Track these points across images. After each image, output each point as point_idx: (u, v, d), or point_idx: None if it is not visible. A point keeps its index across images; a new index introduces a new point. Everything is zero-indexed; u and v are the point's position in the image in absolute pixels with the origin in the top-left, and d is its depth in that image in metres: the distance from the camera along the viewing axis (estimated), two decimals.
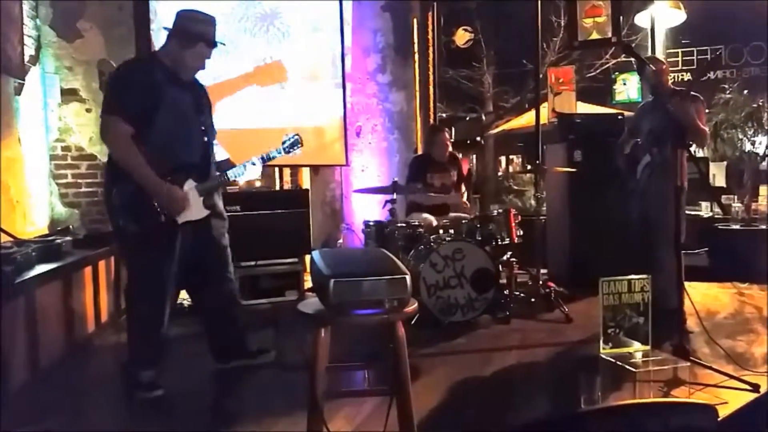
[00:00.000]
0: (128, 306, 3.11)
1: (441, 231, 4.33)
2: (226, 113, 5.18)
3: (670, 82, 4.20)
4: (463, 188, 5.06)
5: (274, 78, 5.46)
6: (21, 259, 3.15)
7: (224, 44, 3.17)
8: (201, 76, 3.17)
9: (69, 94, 4.83)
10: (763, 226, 5.48)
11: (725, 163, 6.75)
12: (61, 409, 2.82)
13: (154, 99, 2.84)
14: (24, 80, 4.33)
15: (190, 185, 2.95)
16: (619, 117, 5.48)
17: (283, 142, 3.31)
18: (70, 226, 4.49)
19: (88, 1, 4.84)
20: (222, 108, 5.15)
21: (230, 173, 3.14)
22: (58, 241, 3.73)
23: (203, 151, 3.05)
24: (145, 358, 2.95)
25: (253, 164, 3.19)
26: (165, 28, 3.05)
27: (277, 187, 6.00)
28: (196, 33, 2.96)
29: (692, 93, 3.87)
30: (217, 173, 3.12)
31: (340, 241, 5.98)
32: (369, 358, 2.97)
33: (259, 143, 3.67)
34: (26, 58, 4.34)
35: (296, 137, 3.33)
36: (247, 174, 3.22)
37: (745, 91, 6.56)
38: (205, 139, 3.07)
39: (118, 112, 2.81)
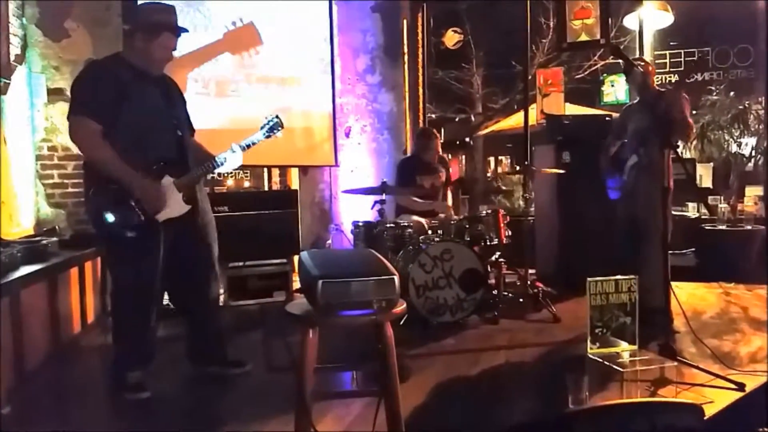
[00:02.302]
0: (113, 307, 3.09)
1: (430, 232, 4.33)
2: (214, 114, 5.18)
3: (656, 83, 4.22)
4: (449, 194, 5.08)
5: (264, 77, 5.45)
6: (6, 260, 3.13)
7: (187, 31, 3.08)
8: None
9: (55, 94, 4.79)
10: (749, 227, 5.54)
11: (712, 164, 6.80)
12: (47, 410, 2.80)
13: (121, 96, 2.81)
14: (9, 80, 4.29)
15: (167, 181, 2.90)
16: (607, 118, 5.51)
17: (263, 126, 3.17)
18: (56, 227, 4.45)
19: (75, 1, 4.81)
20: (210, 109, 5.15)
21: (209, 165, 3.04)
22: (44, 241, 3.70)
23: (178, 145, 2.99)
24: (131, 359, 2.93)
25: (233, 152, 3.07)
26: (125, 27, 2.99)
27: (266, 188, 5.97)
28: (158, 23, 2.93)
29: (677, 90, 3.91)
30: (197, 167, 3.03)
31: (329, 241, 5.97)
32: (357, 359, 2.96)
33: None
34: (12, 58, 4.30)
35: (276, 119, 3.18)
36: (228, 164, 3.07)
37: (732, 93, 6.61)
38: (179, 133, 3.01)
39: (84, 111, 2.79)
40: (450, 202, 5.04)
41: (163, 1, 3.06)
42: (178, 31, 3.00)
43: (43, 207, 4.78)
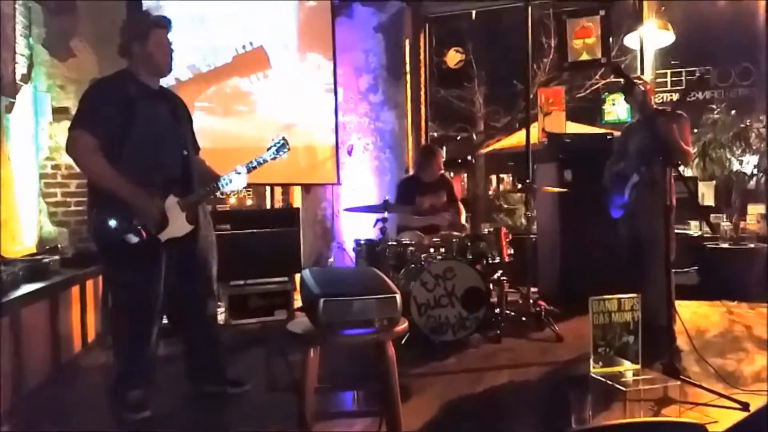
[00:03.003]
0: (114, 326, 3.08)
1: (432, 250, 4.33)
2: (219, 133, 5.21)
3: (654, 102, 4.24)
4: (461, 207, 5.07)
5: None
6: (7, 278, 3.13)
7: (170, 21, 3.05)
8: None
9: (60, 113, 4.82)
10: (752, 245, 5.52)
11: (714, 182, 6.80)
12: (47, 429, 2.78)
13: (126, 113, 2.82)
14: (15, 99, 4.32)
15: (171, 201, 2.90)
16: (609, 137, 5.52)
17: (270, 147, 3.16)
18: (59, 245, 4.46)
19: (80, 21, 4.86)
20: (215, 128, 5.19)
21: (214, 186, 3.05)
22: (46, 260, 3.71)
23: (184, 164, 3.00)
24: (132, 378, 2.92)
25: (238, 173, 3.07)
26: (120, 42, 2.98)
27: (268, 206, 5.99)
28: (144, 23, 2.97)
29: (676, 111, 3.91)
30: (202, 187, 3.03)
31: (331, 259, 5.97)
32: (359, 378, 2.94)
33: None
34: (18, 77, 4.34)
35: (282, 140, 3.18)
36: (233, 184, 3.08)
37: (733, 112, 6.64)
38: (185, 152, 3.02)
39: (84, 126, 2.80)
40: (463, 217, 5.01)
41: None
42: (166, 24, 3.01)
43: (45, 225, 4.79)
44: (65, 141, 2.88)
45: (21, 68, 4.44)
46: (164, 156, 2.94)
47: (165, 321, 3.17)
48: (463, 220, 4.99)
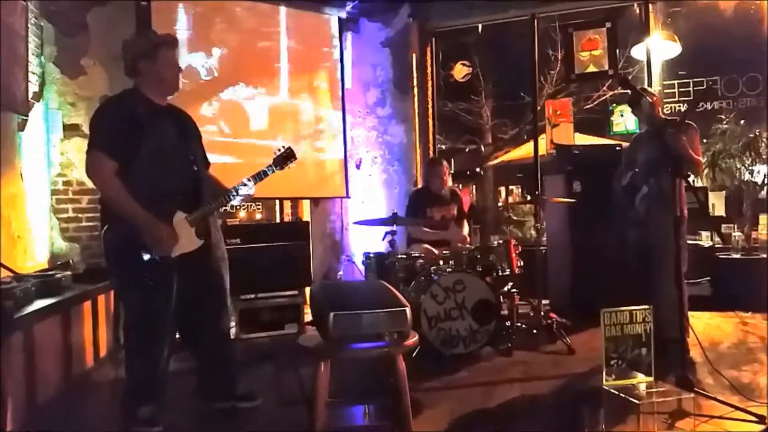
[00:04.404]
0: (126, 341, 3.08)
1: (441, 262, 4.32)
2: (226, 147, 5.24)
3: (663, 113, 4.23)
4: (465, 224, 5.06)
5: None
6: (20, 294, 3.14)
7: (177, 40, 3.13)
8: None
9: (71, 130, 4.88)
10: (764, 255, 5.47)
11: (724, 192, 6.76)
12: None
13: (136, 132, 2.84)
14: (27, 116, 4.37)
15: (179, 217, 2.92)
16: (617, 148, 5.51)
17: (276, 157, 3.16)
18: (71, 261, 4.48)
19: (91, 39, 4.93)
20: (222, 141, 5.22)
21: (221, 199, 3.06)
22: (58, 275, 3.73)
23: (193, 181, 3.01)
24: (143, 393, 2.92)
25: (245, 185, 3.08)
26: (128, 63, 3.00)
27: (278, 220, 6.01)
28: (152, 42, 2.98)
29: (686, 122, 3.90)
30: (210, 201, 3.04)
31: (340, 272, 5.97)
32: (369, 392, 2.93)
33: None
34: (30, 95, 4.40)
35: (289, 150, 3.17)
36: (241, 196, 3.09)
37: (742, 121, 6.61)
38: (195, 168, 3.04)
39: (102, 148, 2.82)
40: (466, 231, 5.02)
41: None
42: (173, 42, 3.05)
43: (57, 241, 4.82)
44: (85, 163, 2.91)
45: (33, 86, 4.50)
46: (173, 173, 2.95)
47: (177, 336, 3.18)
48: (465, 233, 4.99)
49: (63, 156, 4.87)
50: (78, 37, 4.90)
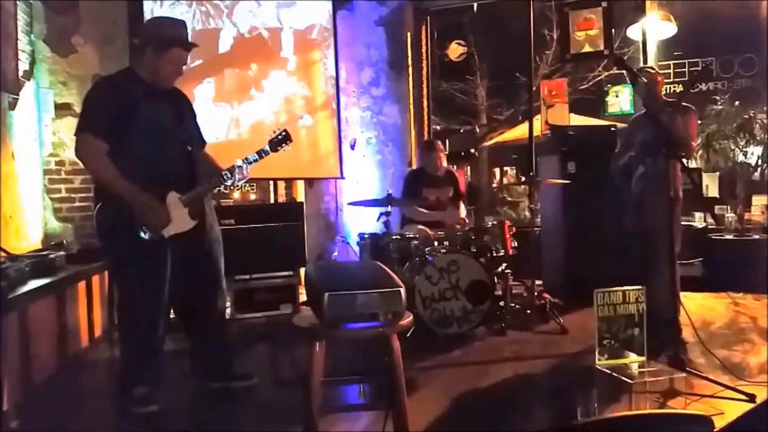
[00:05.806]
0: (120, 322, 3.09)
1: (436, 243, 4.33)
2: (221, 126, 5.21)
3: (662, 93, 4.22)
4: (462, 205, 5.06)
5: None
6: (14, 274, 3.14)
7: (197, 45, 3.11)
8: None
9: (63, 109, 4.84)
10: (757, 236, 5.51)
11: (718, 173, 6.78)
12: (55, 424, 2.80)
13: (128, 113, 2.81)
14: (18, 95, 4.33)
15: (172, 197, 2.90)
16: (612, 129, 5.51)
17: (271, 140, 3.15)
18: (64, 241, 4.47)
19: (82, 17, 4.86)
20: (217, 121, 5.18)
21: (215, 180, 3.05)
22: (52, 256, 3.72)
23: (187, 161, 3.00)
24: (138, 373, 2.93)
25: (240, 166, 3.06)
26: (136, 40, 3.00)
27: (272, 200, 5.99)
28: (169, 37, 2.93)
29: (684, 104, 3.90)
30: (204, 182, 3.03)
31: (335, 253, 5.97)
32: (364, 371, 2.95)
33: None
34: (20, 74, 4.34)
35: (284, 133, 3.16)
36: (235, 178, 3.06)
37: (737, 103, 6.60)
38: (189, 148, 3.02)
39: (90, 128, 2.80)
40: (463, 212, 5.01)
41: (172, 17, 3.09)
42: (189, 46, 3.02)
43: (50, 221, 4.80)
44: (74, 144, 2.89)
45: (23, 65, 4.45)
46: (167, 152, 2.93)
47: (172, 315, 3.18)
48: (463, 215, 4.98)
49: (55, 135, 4.83)
50: (68, 15, 4.83)
